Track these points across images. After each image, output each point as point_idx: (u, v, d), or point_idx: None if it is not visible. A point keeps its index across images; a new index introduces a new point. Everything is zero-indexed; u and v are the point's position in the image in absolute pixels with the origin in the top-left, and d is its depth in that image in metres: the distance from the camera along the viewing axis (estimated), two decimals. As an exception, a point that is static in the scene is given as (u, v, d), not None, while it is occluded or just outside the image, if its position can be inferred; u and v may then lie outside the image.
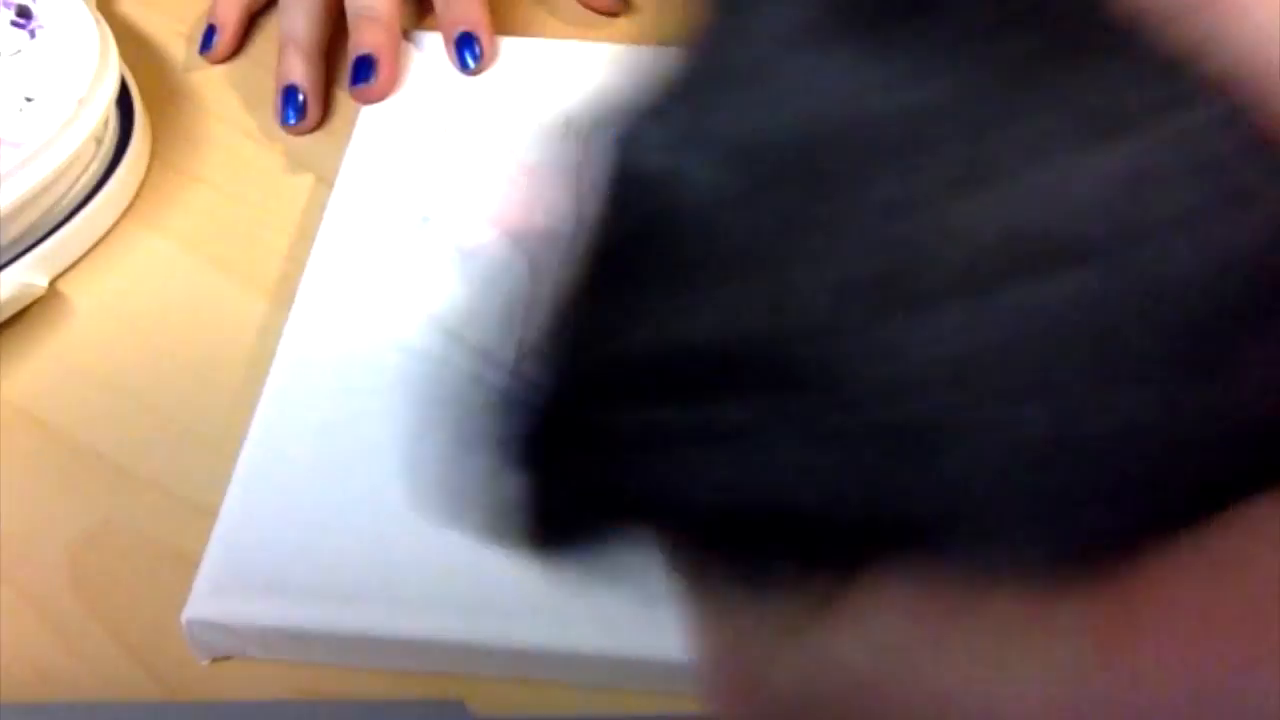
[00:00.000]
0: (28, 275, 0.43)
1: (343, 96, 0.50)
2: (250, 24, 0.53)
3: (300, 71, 0.48)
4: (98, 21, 0.46)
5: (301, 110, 0.48)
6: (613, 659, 0.33)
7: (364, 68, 0.47)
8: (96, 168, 0.45)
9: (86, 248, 0.45)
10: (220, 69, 0.51)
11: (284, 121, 0.48)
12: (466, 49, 0.48)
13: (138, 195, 0.47)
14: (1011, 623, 0.16)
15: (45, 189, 0.42)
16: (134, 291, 0.44)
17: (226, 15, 0.51)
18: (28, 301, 0.43)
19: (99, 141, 0.45)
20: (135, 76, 0.49)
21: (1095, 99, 0.15)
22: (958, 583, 0.16)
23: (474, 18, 0.48)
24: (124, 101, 0.47)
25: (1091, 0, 0.16)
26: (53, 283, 0.44)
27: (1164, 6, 0.17)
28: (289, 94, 0.48)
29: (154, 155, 0.48)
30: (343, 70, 0.51)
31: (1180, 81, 0.16)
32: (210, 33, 0.51)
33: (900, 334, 0.15)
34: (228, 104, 0.50)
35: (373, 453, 0.37)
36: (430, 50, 0.49)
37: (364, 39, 0.48)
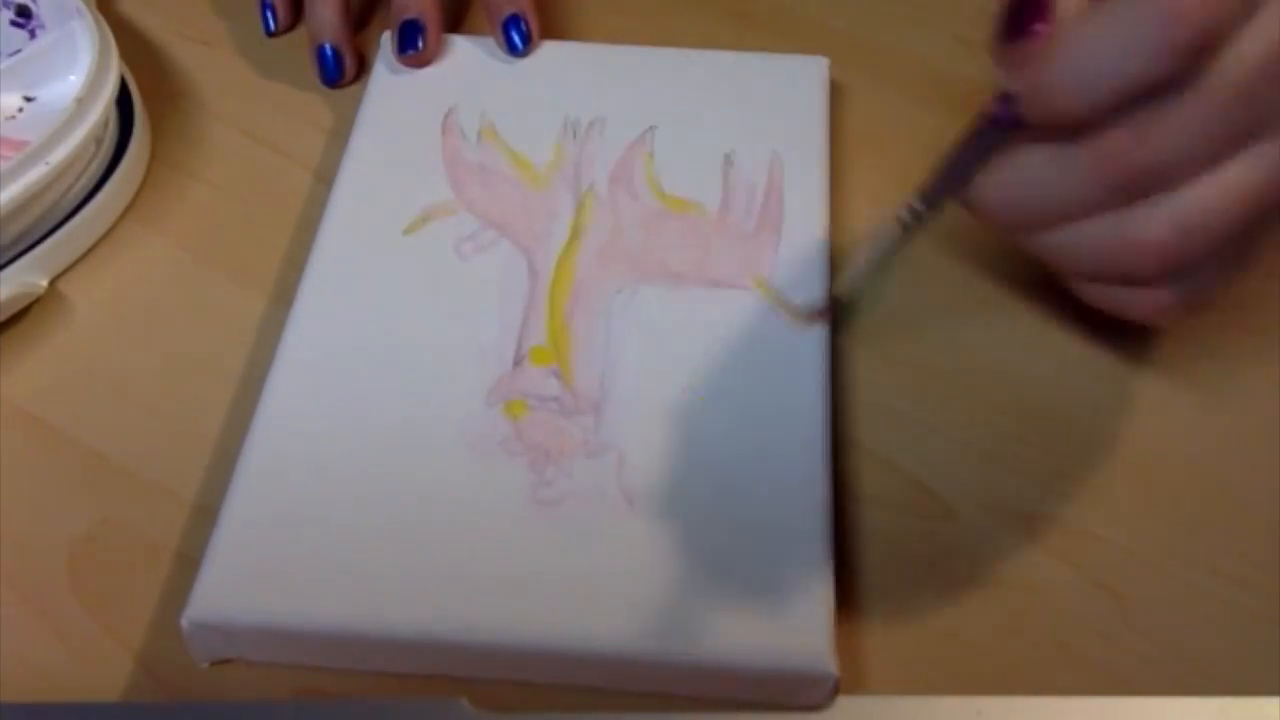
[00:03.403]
0: (28, 275, 0.43)
1: (344, 95, 0.50)
2: (256, 22, 0.53)
3: (331, 28, 0.49)
4: (98, 21, 0.46)
5: (338, 66, 0.49)
6: (613, 659, 0.33)
7: (411, 33, 0.48)
8: (96, 168, 0.45)
9: (86, 248, 0.45)
10: (220, 69, 0.51)
11: (326, 80, 0.49)
12: (514, 29, 0.48)
13: (138, 195, 0.47)
14: None
15: (45, 189, 0.42)
16: (134, 291, 0.44)
17: None
18: (28, 301, 0.43)
19: (99, 141, 0.45)
20: (135, 76, 0.49)
21: None
22: None
23: (520, 2, 0.49)
24: (124, 101, 0.47)
25: None
26: (53, 283, 0.44)
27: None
28: (321, 53, 0.49)
29: (154, 155, 0.48)
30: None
31: None
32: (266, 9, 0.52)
33: None
34: (228, 104, 0.50)
35: (374, 453, 0.37)
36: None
37: (408, 2, 0.48)
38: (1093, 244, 0.33)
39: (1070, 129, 0.31)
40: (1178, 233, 0.32)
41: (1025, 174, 0.32)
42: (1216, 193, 0.32)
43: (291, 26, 0.53)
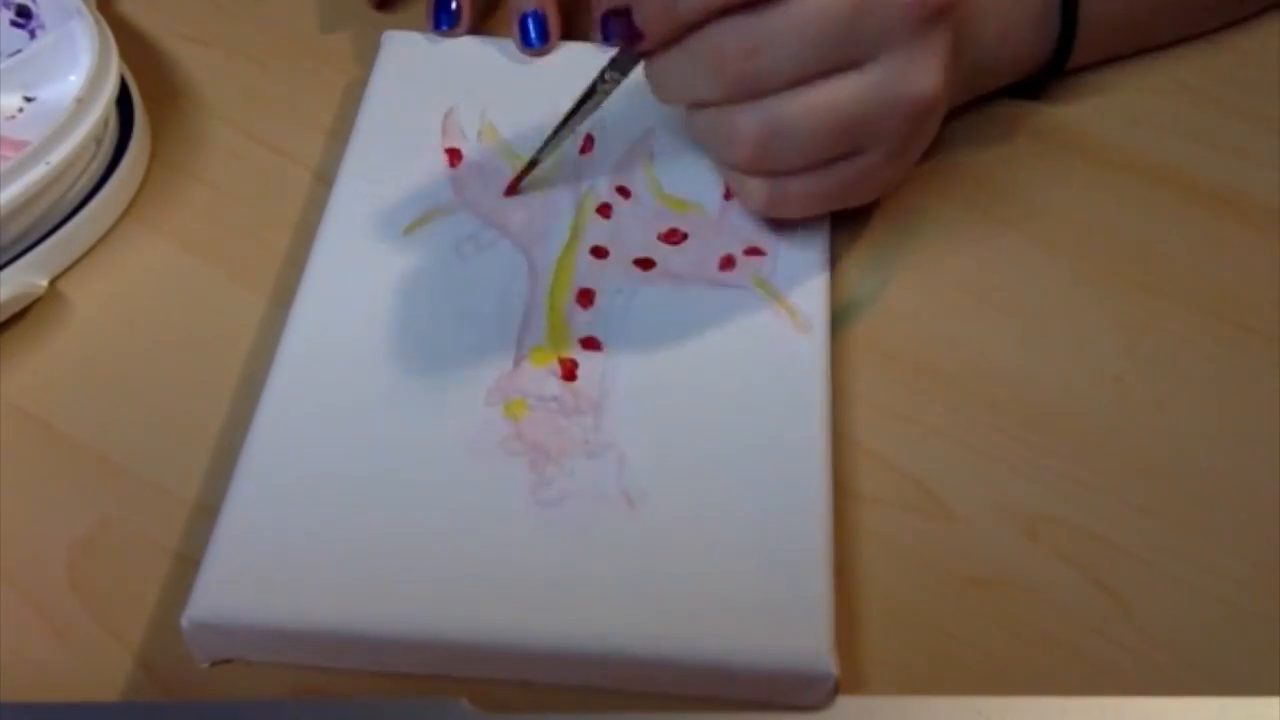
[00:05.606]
0: (28, 275, 0.43)
1: (344, 95, 0.50)
2: (256, 23, 0.53)
3: None
4: (98, 21, 0.46)
5: (542, 33, 0.48)
6: (613, 659, 0.34)
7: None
8: (96, 168, 0.45)
9: (86, 248, 0.45)
10: (220, 69, 0.51)
11: (524, 45, 0.49)
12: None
13: (138, 195, 0.47)
14: None
15: (45, 189, 0.42)
16: (134, 291, 0.44)
17: None
18: (28, 301, 0.43)
19: (99, 141, 0.45)
20: (135, 76, 0.49)
21: None
22: None
23: None
24: (124, 101, 0.47)
25: None
26: (53, 283, 0.44)
27: None
28: (523, 23, 0.48)
29: (154, 155, 0.48)
30: (358, 47, 0.51)
31: None
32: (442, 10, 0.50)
33: None
34: (228, 104, 0.50)
35: (374, 453, 0.37)
36: (431, 49, 0.49)
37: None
38: (707, 130, 0.39)
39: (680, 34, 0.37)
40: (763, 131, 0.38)
41: (658, 66, 0.39)
42: (802, 106, 0.37)
43: (474, 23, 0.50)
